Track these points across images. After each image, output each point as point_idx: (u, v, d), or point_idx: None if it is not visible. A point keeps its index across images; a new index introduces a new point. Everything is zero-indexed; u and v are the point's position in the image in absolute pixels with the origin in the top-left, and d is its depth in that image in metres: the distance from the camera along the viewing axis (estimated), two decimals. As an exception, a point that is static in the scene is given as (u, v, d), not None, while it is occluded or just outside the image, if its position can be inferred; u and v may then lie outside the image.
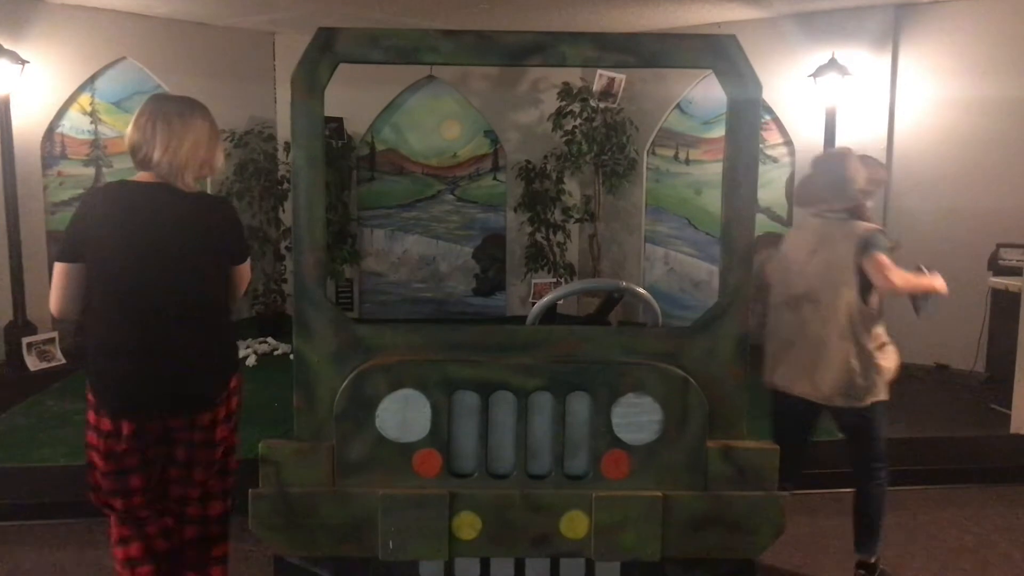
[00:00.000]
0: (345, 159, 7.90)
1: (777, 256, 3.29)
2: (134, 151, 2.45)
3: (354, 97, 6.99)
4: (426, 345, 2.19)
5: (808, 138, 6.81)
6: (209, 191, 7.64)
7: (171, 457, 2.57)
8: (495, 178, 8.49)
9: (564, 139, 7.55)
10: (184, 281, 2.43)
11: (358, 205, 8.33)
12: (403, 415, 2.11)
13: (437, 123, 8.36)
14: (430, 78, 8.14)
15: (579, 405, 2.15)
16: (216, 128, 2.56)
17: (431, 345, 2.19)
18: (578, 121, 7.49)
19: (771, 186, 7.20)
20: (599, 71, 7.28)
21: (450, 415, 2.13)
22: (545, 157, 7.89)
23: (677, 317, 7.50)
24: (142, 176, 2.48)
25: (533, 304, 8.15)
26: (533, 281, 7.92)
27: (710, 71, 2.15)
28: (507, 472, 2.17)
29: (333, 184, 7.52)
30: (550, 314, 2.83)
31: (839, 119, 6.50)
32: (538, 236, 7.90)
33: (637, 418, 2.12)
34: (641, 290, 2.82)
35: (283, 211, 7.63)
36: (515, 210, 8.08)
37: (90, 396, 2.50)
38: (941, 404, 5.47)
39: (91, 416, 2.51)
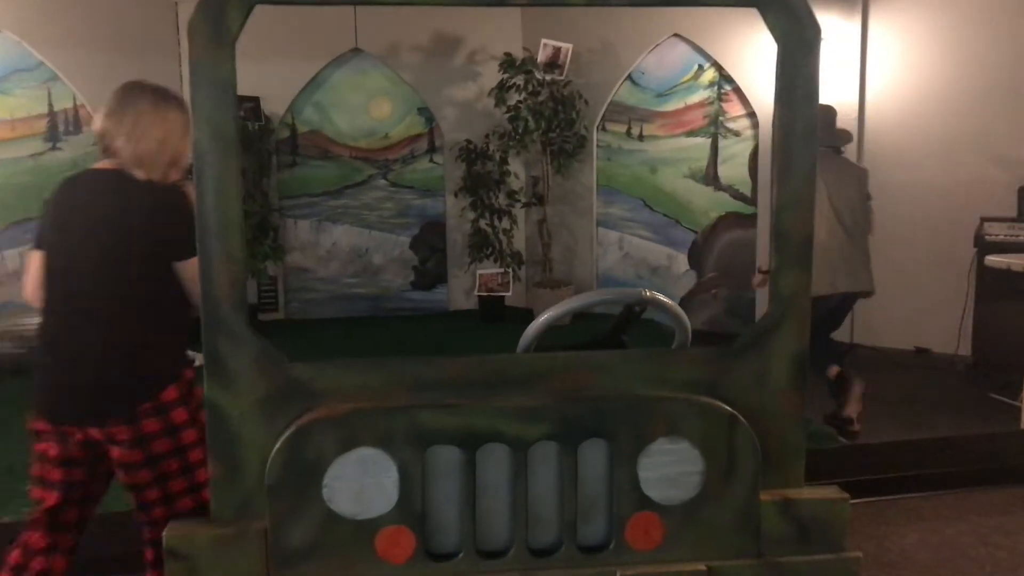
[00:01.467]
0: (263, 142, 7.29)
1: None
2: (99, 138, 2.41)
3: (271, 74, 6.48)
4: (388, 386, 1.71)
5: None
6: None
7: (110, 480, 2.46)
8: (432, 160, 7.98)
9: (507, 115, 7.10)
10: (109, 277, 2.31)
11: (279, 194, 7.70)
12: (360, 483, 1.67)
13: (365, 101, 7.78)
14: (355, 51, 7.57)
15: (595, 456, 1.75)
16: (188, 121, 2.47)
17: (394, 386, 1.71)
18: (522, 95, 7.02)
19: (733, 161, 6.75)
20: (543, 40, 6.74)
21: (424, 479, 1.70)
22: (487, 136, 7.41)
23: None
24: (101, 164, 2.41)
25: (479, 297, 7.71)
26: (478, 272, 7.49)
27: (752, 8, 1.69)
28: (503, 549, 1.76)
29: (250, 171, 6.94)
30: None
31: (807, 87, 6.04)
32: (482, 223, 7.46)
33: (671, 470, 1.75)
34: (666, 299, 2.26)
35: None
36: (455, 195, 7.62)
37: None
38: (933, 395, 5.12)
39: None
